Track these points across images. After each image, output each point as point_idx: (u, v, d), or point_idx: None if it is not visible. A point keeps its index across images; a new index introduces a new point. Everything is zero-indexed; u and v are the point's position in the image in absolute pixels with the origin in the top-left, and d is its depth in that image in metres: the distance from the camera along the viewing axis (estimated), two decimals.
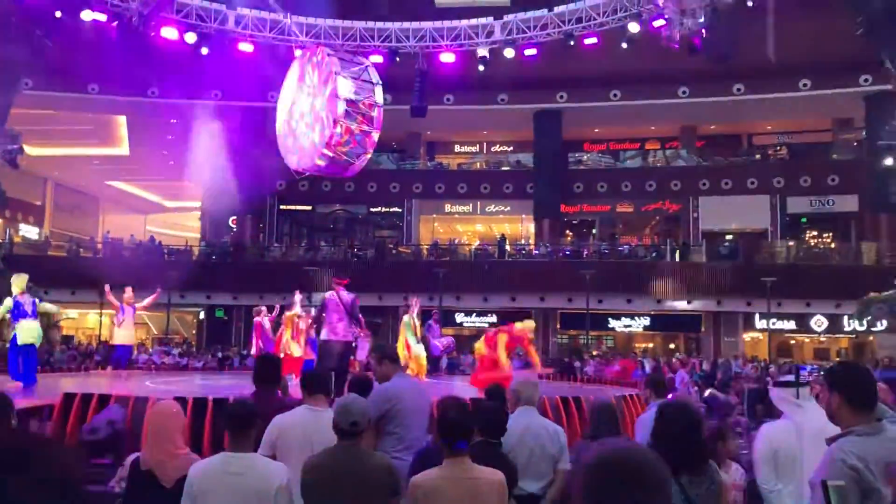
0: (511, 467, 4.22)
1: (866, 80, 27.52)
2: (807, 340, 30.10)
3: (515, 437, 4.72)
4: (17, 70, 23.97)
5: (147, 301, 15.46)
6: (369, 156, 17.32)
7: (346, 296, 10.47)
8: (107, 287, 14.96)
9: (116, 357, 15.09)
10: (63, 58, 25.01)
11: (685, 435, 3.53)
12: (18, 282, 12.31)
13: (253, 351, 15.28)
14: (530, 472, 4.69)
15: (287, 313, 14.58)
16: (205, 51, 21.29)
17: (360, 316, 10.79)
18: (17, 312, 12.01)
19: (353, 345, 10.66)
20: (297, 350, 14.24)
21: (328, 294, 10.57)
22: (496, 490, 3.67)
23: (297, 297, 15.04)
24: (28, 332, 11.85)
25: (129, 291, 14.97)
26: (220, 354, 24.07)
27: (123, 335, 14.79)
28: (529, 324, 12.40)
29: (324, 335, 10.39)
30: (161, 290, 15.84)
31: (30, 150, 27.57)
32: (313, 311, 13.10)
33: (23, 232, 35.75)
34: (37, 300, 12.51)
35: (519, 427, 4.78)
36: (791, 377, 5.12)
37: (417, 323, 15.36)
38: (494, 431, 4.40)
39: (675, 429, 3.53)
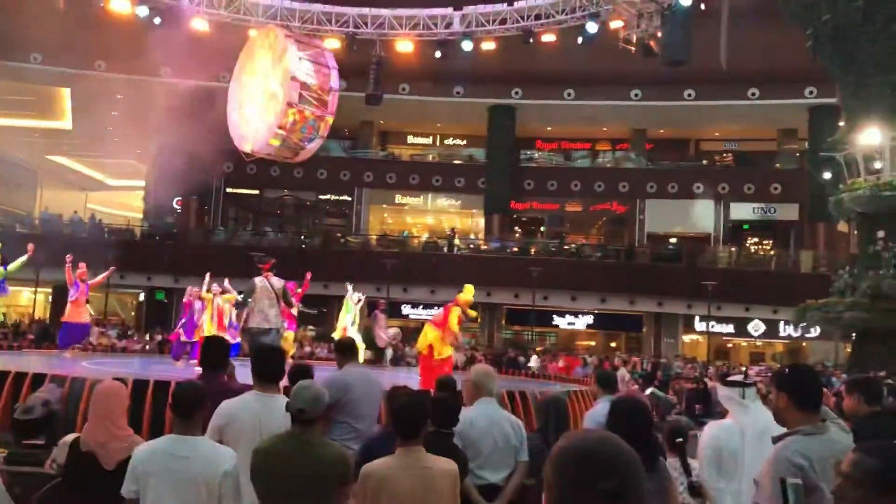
0: (463, 458, 4.20)
1: (811, 93, 28.31)
2: (744, 344, 30.87)
3: (482, 429, 4.71)
4: None
5: (100, 278, 15.00)
6: (321, 141, 17.12)
7: (277, 281, 10.31)
8: (68, 258, 14.28)
9: (64, 333, 14.54)
10: (5, 25, 24.13)
11: (638, 430, 3.56)
12: None
13: (179, 331, 14.81)
14: (493, 463, 4.70)
15: (206, 294, 14.29)
16: (157, 21, 20.70)
17: (291, 300, 10.66)
18: None
19: (279, 331, 10.48)
20: (212, 332, 13.91)
21: (258, 279, 10.37)
22: (449, 480, 3.65)
23: (226, 283, 14.80)
24: None
25: (82, 267, 14.46)
26: (159, 337, 23.54)
27: (75, 312, 14.27)
28: (469, 288, 12.76)
29: (255, 322, 10.18)
30: (115, 269, 15.30)
31: None
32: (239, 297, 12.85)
33: None
34: None
35: (483, 418, 4.77)
36: (740, 377, 5.20)
37: (357, 308, 15.40)
38: (447, 421, 4.38)
39: (628, 424, 3.55)
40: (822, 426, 3.04)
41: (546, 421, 4.94)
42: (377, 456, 3.74)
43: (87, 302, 14.62)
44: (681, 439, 5.25)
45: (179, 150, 29.75)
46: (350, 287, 15.90)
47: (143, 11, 20.44)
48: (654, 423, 3.77)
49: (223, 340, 5.68)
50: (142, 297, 32.01)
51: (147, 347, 20.56)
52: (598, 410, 5.16)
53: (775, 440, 3.05)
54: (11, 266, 13.46)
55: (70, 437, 3.99)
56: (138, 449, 3.52)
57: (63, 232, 29.74)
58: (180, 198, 32.67)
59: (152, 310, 30.76)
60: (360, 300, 16.13)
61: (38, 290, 28.95)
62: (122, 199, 45.07)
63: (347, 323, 15.01)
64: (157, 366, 13.76)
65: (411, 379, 13.86)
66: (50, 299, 31.42)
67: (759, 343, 30.26)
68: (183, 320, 14.70)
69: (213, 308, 14.26)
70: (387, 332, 17.05)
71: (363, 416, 5.13)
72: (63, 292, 30.41)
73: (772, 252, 31.66)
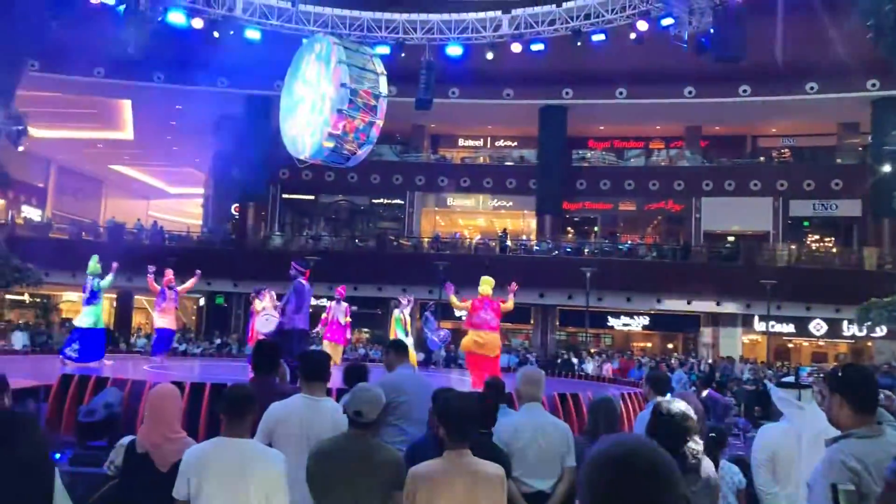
0: (505, 459, 4.19)
1: (874, 85, 27.43)
2: (805, 344, 30.09)
3: (527, 435, 4.68)
4: (23, 51, 23.95)
5: (188, 284, 15.20)
6: (372, 146, 17.27)
7: (310, 288, 10.49)
8: (151, 269, 14.57)
9: (157, 340, 14.88)
10: (70, 40, 24.96)
11: (680, 433, 3.52)
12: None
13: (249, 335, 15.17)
14: (540, 470, 4.65)
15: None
16: (212, 32, 21.19)
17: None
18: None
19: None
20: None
21: (305, 282, 10.52)
22: (497, 484, 3.64)
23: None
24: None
25: (169, 274, 14.67)
26: (218, 341, 24.08)
27: (165, 320, 14.54)
28: (484, 279, 13.41)
29: (300, 322, 10.34)
30: (200, 274, 15.57)
31: (34, 131, 27.58)
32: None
33: (25, 213, 35.75)
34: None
35: (528, 424, 4.74)
36: (792, 378, 5.09)
37: (408, 318, 15.46)
38: (487, 421, 4.37)
39: (670, 426, 3.51)
40: (878, 429, 2.96)
41: (595, 423, 4.89)
42: (422, 459, 3.75)
43: (177, 308, 14.84)
44: (720, 440, 5.17)
45: (236, 157, 30.44)
46: (403, 301, 15.86)
47: (198, 23, 20.92)
48: (695, 425, 3.70)
49: (275, 344, 5.79)
50: (202, 301, 32.73)
51: (207, 351, 20.98)
52: (648, 413, 5.10)
53: (828, 443, 2.99)
54: (103, 282, 13.90)
55: (126, 439, 4.11)
56: (189, 451, 3.61)
57: (126, 239, 30.61)
58: (238, 204, 33.34)
59: (212, 314, 31.43)
60: (409, 302, 16.09)
61: (104, 295, 29.79)
62: (182, 205, 46.26)
63: (399, 334, 15.09)
64: (216, 369, 14.08)
65: (464, 381, 13.90)
66: (114, 305, 32.34)
67: (821, 343, 29.44)
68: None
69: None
70: (437, 333, 17.11)
71: (414, 420, 5.14)
72: (127, 299, 31.42)
73: (833, 249, 30.80)
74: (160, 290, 14.49)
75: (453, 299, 13.18)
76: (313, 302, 16.54)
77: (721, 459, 5.15)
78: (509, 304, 12.99)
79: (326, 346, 14.74)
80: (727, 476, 4.98)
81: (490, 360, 12.21)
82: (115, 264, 14.01)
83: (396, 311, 15.41)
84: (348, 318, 16.00)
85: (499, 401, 5.27)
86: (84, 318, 13.48)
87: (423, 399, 5.33)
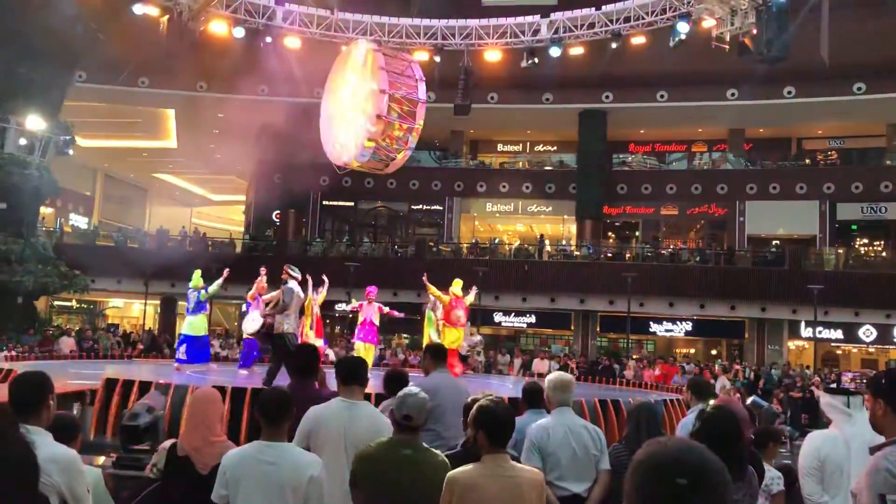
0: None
1: None
2: (854, 350, 29.38)
3: (558, 438, 4.65)
4: (71, 63, 24.56)
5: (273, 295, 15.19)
6: (411, 152, 17.32)
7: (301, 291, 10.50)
8: (263, 271, 14.84)
9: (245, 351, 14.83)
10: (115, 51, 25.52)
11: (726, 438, 3.44)
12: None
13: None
14: (574, 473, 4.62)
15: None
16: (253, 42, 21.49)
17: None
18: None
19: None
20: (316, 340, 14.25)
21: (295, 287, 10.51)
22: (536, 489, 3.60)
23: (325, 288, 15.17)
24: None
25: (263, 280, 14.77)
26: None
27: (252, 327, 14.38)
28: (458, 282, 14.79)
29: (286, 326, 10.36)
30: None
31: (81, 141, 28.27)
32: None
33: (72, 221, 36.59)
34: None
35: (561, 428, 4.71)
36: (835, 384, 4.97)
37: (440, 320, 15.49)
38: None
39: (715, 431, 3.44)
40: None
41: (635, 428, 4.81)
42: (460, 464, 3.73)
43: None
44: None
45: (278, 165, 30.79)
46: (430, 311, 15.94)
47: (239, 33, 21.22)
48: (742, 433, 3.62)
49: (314, 348, 5.81)
50: (244, 307, 33.10)
51: None
52: (690, 419, 5.01)
53: (873, 450, 2.89)
54: (210, 289, 14.41)
55: (168, 443, 4.15)
56: (228, 455, 3.63)
57: (169, 246, 31.14)
58: (279, 211, 33.70)
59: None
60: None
61: (148, 301, 30.37)
62: (224, 213, 46.95)
63: (432, 334, 15.12)
64: (257, 374, 14.20)
65: (504, 387, 13.85)
66: (158, 311, 32.90)
67: (871, 350, 28.72)
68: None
69: (312, 316, 14.63)
70: (470, 339, 17.12)
71: (449, 424, 5.13)
72: (171, 304, 31.96)
73: (883, 253, 30.05)
74: (255, 297, 14.50)
75: (433, 289, 14.65)
76: (345, 307, 16.63)
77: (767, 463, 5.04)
78: (471, 298, 14.88)
79: (359, 348, 14.73)
80: (766, 480, 4.87)
81: (456, 353, 13.91)
82: (226, 271, 14.74)
83: (429, 311, 15.45)
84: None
85: (534, 405, 5.24)
86: (191, 327, 14.64)
87: (457, 403, 5.31)
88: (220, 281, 14.46)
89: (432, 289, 14.58)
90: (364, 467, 3.57)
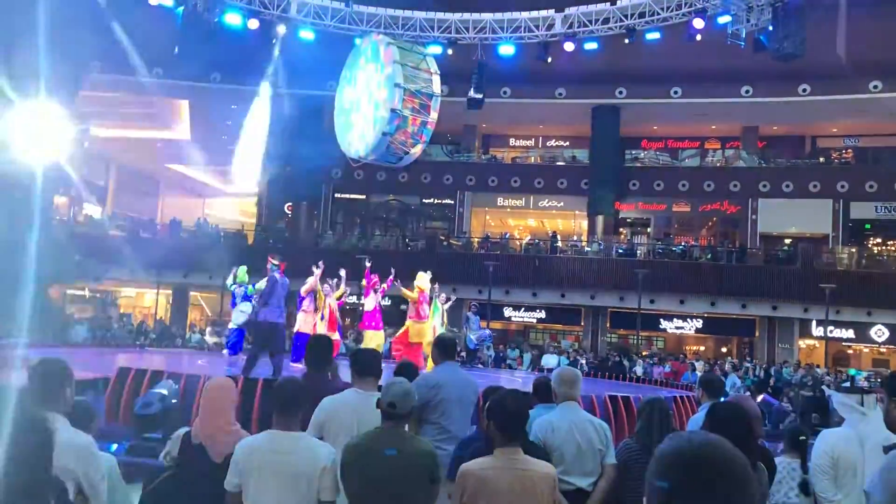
0: (546, 454, 4.17)
1: None
2: (865, 350, 29.23)
3: (563, 433, 4.65)
4: (85, 52, 24.62)
5: (341, 289, 15.13)
6: (424, 146, 17.31)
7: (287, 281, 10.52)
8: (321, 265, 14.27)
9: (296, 346, 14.24)
10: (130, 41, 25.58)
11: (736, 435, 3.43)
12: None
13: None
14: (578, 468, 4.62)
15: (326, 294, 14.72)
16: (267, 33, 21.51)
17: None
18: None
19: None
20: (330, 334, 14.24)
21: (278, 275, 10.54)
22: (548, 483, 3.61)
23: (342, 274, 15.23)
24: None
25: (318, 274, 14.24)
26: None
27: (308, 322, 14.33)
28: (425, 275, 15.00)
29: (274, 317, 10.36)
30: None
31: (95, 131, 28.33)
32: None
33: (86, 211, 36.75)
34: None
35: (566, 422, 4.70)
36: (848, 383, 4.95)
37: (445, 311, 15.67)
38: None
39: (725, 428, 3.43)
40: None
41: (647, 424, 4.79)
42: (472, 457, 3.74)
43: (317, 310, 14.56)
44: (804, 437, 5.06)
45: (290, 157, 30.85)
46: (437, 287, 15.97)
47: (253, 24, 21.26)
48: (753, 430, 3.61)
49: (328, 339, 5.83)
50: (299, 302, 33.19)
51: None
52: (701, 416, 4.99)
53: (887, 449, 2.88)
54: (259, 284, 14.55)
55: (182, 431, 4.18)
56: (241, 444, 3.64)
57: (182, 237, 31.27)
58: (291, 203, 33.76)
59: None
60: (449, 300, 16.23)
61: (160, 291, 30.53)
62: (236, 204, 47.02)
63: (437, 323, 15.12)
64: (267, 365, 14.24)
65: (514, 381, 13.85)
66: (170, 301, 33.07)
67: (882, 350, 28.56)
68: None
69: (325, 309, 14.67)
70: (479, 333, 17.18)
71: (455, 418, 5.12)
72: (183, 294, 32.09)
73: None
74: (309, 293, 14.30)
75: (406, 291, 14.88)
76: (352, 299, 16.73)
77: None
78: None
79: (369, 336, 14.72)
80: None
81: (420, 347, 14.18)
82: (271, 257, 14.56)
83: (436, 301, 15.51)
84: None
85: (546, 400, 5.24)
86: (238, 319, 15.24)
87: (464, 396, 5.29)
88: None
89: (404, 291, 14.91)
90: (351, 457, 3.57)
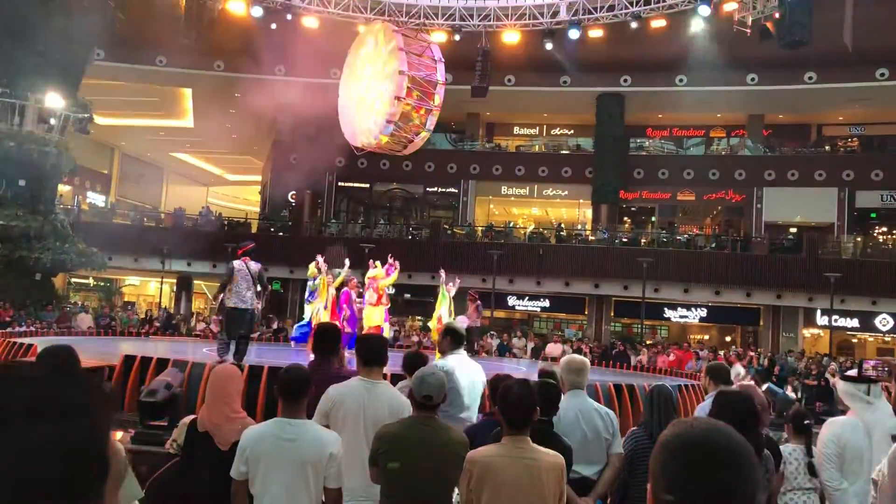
0: (566, 448, 4.14)
1: None
2: (870, 339, 29.20)
3: (569, 421, 4.64)
4: (90, 41, 24.60)
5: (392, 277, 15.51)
6: (428, 134, 17.28)
7: (254, 265, 10.53)
8: (319, 257, 15.47)
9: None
10: (134, 31, 25.54)
11: (742, 423, 3.42)
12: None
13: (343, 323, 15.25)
14: (584, 456, 4.61)
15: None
16: (270, 21, 21.45)
17: (266, 283, 10.95)
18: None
19: (257, 312, 10.76)
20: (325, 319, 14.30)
21: (237, 263, 10.63)
22: (555, 473, 3.59)
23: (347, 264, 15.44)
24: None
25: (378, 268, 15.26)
26: (275, 325, 24.47)
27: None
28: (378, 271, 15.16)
29: (232, 303, 10.46)
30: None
31: (99, 119, 28.32)
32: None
33: (90, 199, 36.80)
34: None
35: (572, 410, 4.70)
36: (855, 371, 4.93)
37: (451, 299, 15.64)
38: (547, 410, 4.31)
39: (730, 416, 3.42)
40: None
41: (650, 413, 4.79)
42: (478, 444, 3.74)
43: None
44: (808, 421, 5.06)
45: (294, 145, 30.82)
46: (443, 275, 15.95)
47: (257, 12, 21.19)
48: (759, 417, 3.60)
49: (335, 328, 5.82)
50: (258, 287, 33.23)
51: (264, 335, 21.31)
52: (708, 404, 4.98)
53: (895, 438, 2.87)
54: (338, 279, 15.13)
55: (188, 418, 4.18)
56: (247, 431, 3.65)
57: (186, 225, 31.29)
58: (294, 192, 33.74)
59: (268, 299, 31.88)
60: (454, 284, 16.17)
61: (165, 280, 30.58)
62: (240, 192, 47.09)
63: (444, 312, 15.11)
64: (273, 353, 14.29)
65: (519, 369, 13.86)
66: (174, 290, 33.12)
67: (887, 339, 28.53)
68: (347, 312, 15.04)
69: (327, 296, 14.69)
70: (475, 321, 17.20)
71: (463, 406, 5.13)
72: (187, 283, 32.14)
73: None
74: (368, 285, 14.97)
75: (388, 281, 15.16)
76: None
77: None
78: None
79: (369, 313, 14.68)
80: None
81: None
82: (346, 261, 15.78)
83: (444, 288, 15.49)
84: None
85: (559, 390, 5.22)
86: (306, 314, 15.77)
87: (472, 384, 5.31)
88: (346, 269, 15.41)
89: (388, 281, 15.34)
90: (385, 445, 3.60)
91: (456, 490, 3.68)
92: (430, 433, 3.63)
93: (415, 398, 3.74)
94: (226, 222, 32.82)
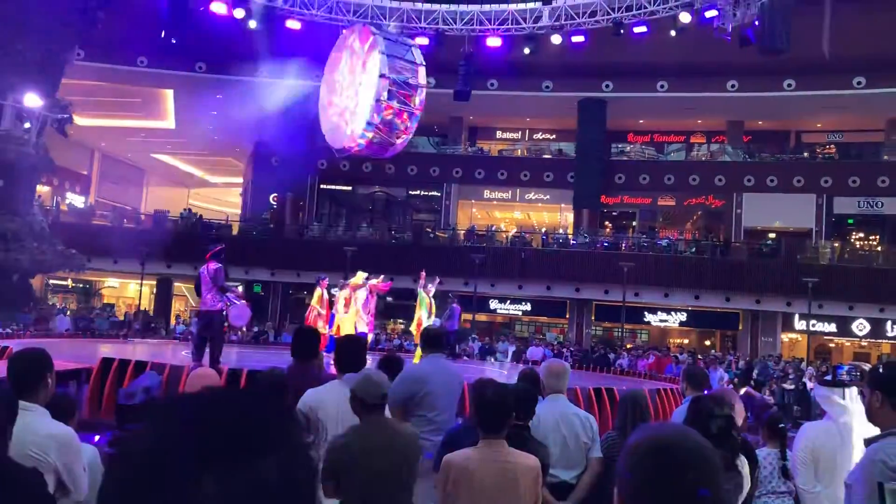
0: (545, 452, 4.15)
1: None
2: (847, 344, 29.51)
3: (549, 425, 4.65)
4: (70, 41, 24.38)
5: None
6: (410, 137, 17.30)
7: (212, 267, 10.53)
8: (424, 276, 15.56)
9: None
10: (115, 30, 25.33)
11: (718, 427, 3.46)
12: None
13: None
14: (563, 461, 4.62)
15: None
16: (253, 23, 21.35)
17: (227, 283, 10.91)
18: None
19: (224, 312, 10.68)
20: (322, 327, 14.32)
21: (201, 268, 10.68)
22: (531, 476, 3.59)
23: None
24: None
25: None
26: (255, 329, 24.36)
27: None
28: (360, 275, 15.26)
29: (205, 306, 10.56)
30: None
31: (79, 119, 28.04)
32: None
33: (69, 200, 36.45)
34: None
35: (552, 415, 4.71)
36: (829, 376, 5.00)
37: (432, 301, 15.63)
38: (524, 414, 4.31)
39: (707, 420, 3.45)
40: None
41: (623, 417, 4.83)
42: (458, 448, 3.73)
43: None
44: (782, 425, 5.11)
45: (276, 148, 30.70)
46: (423, 278, 15.94)
47: (239, 13, 21.11)
48: (735, 423, 3.63)
49: (314, 331, 5.81)
50: (240, 289, 33.06)
51: (244, 338, 21.21)
52: (685, 408, 5.02)
53: (868, 442, 2.90)
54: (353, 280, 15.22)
55: None
56: None
57: (166, 227, 31.07)
58: (276, 194, 33.60)
59: (250, 302, 31.68)
60: (432, 288, 16.16)
61: (144, 282, 30.34)
62: (221, 195, 46.81)
63: (423, 315, 15.11)
64: (252, 356, 14.22)
65: (499, 374, 13.88)
66: (153, 292, 32.87)
67: (863, 343, 28.85)
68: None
69: (321, 303, 14.73)
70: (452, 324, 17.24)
71: (441, 409, 5.11)
72: (167, 285, 31.90)
73: (878, 248, 30.12)
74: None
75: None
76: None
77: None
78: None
79: (343, 321, 14.71)
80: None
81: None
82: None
83: (421, 292, 15.48)
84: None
85: (536, 393, 5.24)
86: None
87: (449, 387, 5.28)
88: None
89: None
90: (341, 456, 3.50)
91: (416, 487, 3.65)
92: (385, 435, 3.57)
93: (365, 401, 3.64)
94: (207, 224, 32.60)
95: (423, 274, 16.00)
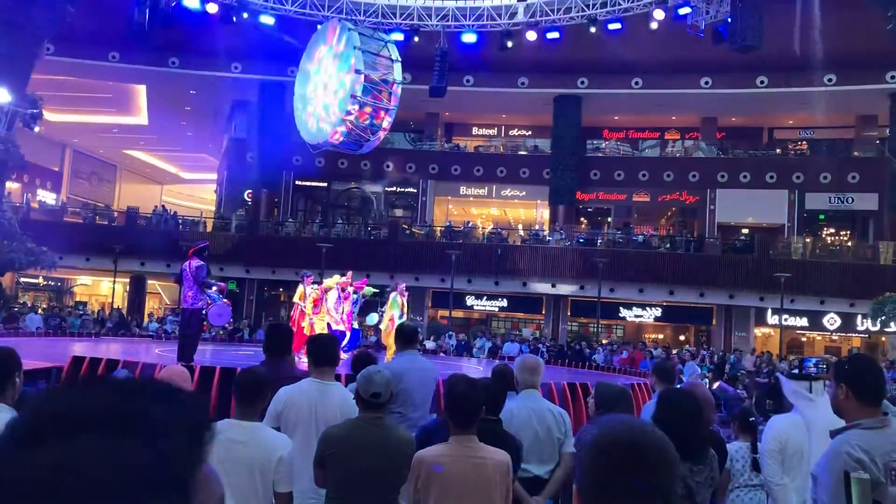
0: (516, 446, 4.17)
1: (893, 77, 27.15)
2: (818, 338, 29.93)
3: (522, 420, 4.67)
4: (39, 35, 24.02)
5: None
6: (385, 133, 17.27)
7: (194, 264, 10.51)
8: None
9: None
10: (85, 24, 25.00)
11: (686, 421, 3.48)
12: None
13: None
14: (536, 456, 4.65)
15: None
16: (226, 17, 21.15)
17: (210, 281, 10.86)
18: None
19: (203, 311, 10.63)
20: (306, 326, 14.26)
21: (184, 264, 10.66)
22: (501, 470, 3.62)
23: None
24: None
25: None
26: (230, 326, 24.17)
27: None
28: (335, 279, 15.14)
29: (182, 304, 10.54)
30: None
31: (49, 115, 27.71)
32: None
33: (40, 197, 35.97)
34: None
35: (525, 410, 4.73)
36: (796, 370, 5.06)
37: (405, 301, 15.61)
38: (494, 408, 4.33)
39: (675, 414, 3.47)
40: (884, 420, 2.93)
41: (609, 408, 4.85)
42: (432, 443, 3.74)
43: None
44: (753, 419, 5.17)
45: (250, 143, 30.51)
46: (401, 286, 15.85)
47: (213, 8, 20.92)
48: (703, 415, 3.67)
49: (287, 328, 5.79)
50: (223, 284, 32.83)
51: (219, 336, 21.06)
52: (653, 403, 5.07)
53: (833, 434, 2.96)
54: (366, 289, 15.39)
55: None
56: None
57: (139, 224, 30.75)
58: (251, 190, 33.39)
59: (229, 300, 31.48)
60: (404, 292, 16.07)
61: (117, 279, 30.02)
62: (195, 191, 46.45)
63: (395, 315, 15.06)
64: (226, 354, 14.14)
65: (474, 369, 13.93)
66: (127, 289, 32.54)
67: (834, 337, 29.27)
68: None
69: (308, 302, 14.69)
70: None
71: (416, 405, 5.14)
72: (140, 283, 31.58)
73: (849, 243, 30.56)
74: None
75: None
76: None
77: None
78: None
79: (317, 323, 14.69)
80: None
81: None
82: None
83: (393, 294, 15.44)
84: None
85: (505, 388, 5.26)
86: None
87: (424, 383, 5.31)
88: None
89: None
90: (332, 447, 3.57)
91: (403, 489, 3.68)
92: (378, 433, 3.62)
93: (362, 398, 3.71)
94: (180, 221, 32.31)
95: (404, 286, 15.90)
